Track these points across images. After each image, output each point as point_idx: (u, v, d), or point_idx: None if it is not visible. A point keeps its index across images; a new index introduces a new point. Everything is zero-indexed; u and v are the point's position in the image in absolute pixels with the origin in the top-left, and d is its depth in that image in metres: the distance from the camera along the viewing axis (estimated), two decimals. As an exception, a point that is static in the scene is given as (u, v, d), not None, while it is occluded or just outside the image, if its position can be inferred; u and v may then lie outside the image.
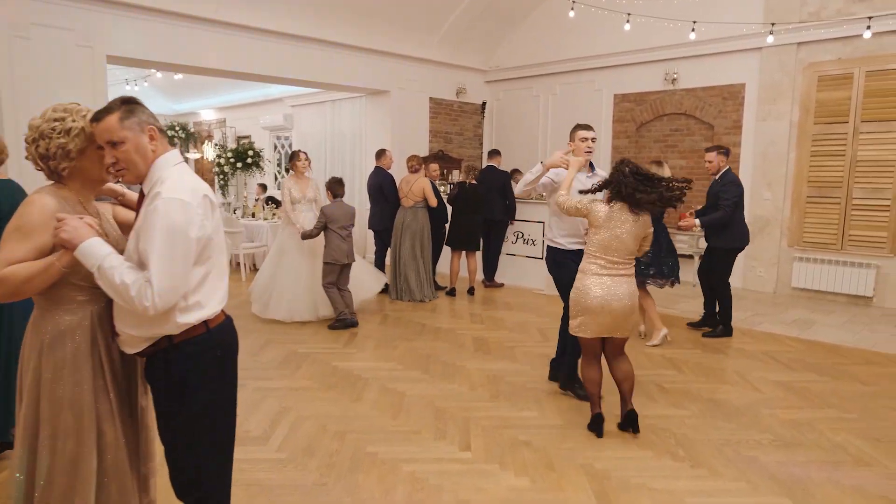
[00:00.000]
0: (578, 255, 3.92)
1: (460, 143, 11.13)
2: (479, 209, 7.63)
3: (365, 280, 6.72)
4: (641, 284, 5.75)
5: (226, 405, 2.12)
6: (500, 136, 11.19)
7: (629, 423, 3.67)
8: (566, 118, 10.01)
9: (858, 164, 7.14)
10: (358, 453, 3.42)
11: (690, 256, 8.49)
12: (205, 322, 1.98)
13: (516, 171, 9.10)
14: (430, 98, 10.43)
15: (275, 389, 4.38)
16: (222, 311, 2.09)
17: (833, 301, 7.33)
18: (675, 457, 3.40)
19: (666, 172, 6.19)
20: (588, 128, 4.18)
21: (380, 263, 7.86)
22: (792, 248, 7.70)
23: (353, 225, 6.08)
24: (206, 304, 1.97)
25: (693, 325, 6.16)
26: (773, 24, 7.08)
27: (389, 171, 7.78)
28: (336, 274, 6.03)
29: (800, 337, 5.81)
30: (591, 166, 4.26)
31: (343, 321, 6.01)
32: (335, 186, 6.07)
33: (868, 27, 6.46)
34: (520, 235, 8.33)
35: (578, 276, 3.61)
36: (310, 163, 6.59)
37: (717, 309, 5.93)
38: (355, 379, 4.62)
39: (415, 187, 7.18)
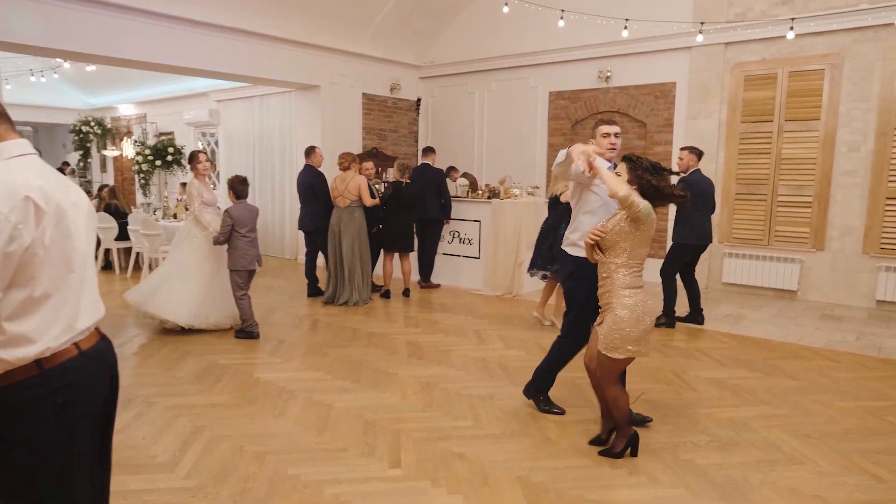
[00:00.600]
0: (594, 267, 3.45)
1: (395, 140, 10.87)
2: (412, 208, 7.40)
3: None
4: (544, 277, 6.07)
5: (70, 468, 1.65)
6: (435, 133, 10.99)
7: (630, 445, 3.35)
8: (502, 115, 9.95)
9: (783, 161, 7.32)
10: (277, 476, 3.12)
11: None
12: (37, 361, 1.56)
13: (452, 169, 8.94)
14: (363, 94, 10.13)
15: (189, 407, 4.02)
16: (76, 344, 1.66)
17: (761, 295, 7.50)
18: (613, 464, 3.28)
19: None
20: (612, 122, 3.72)
21: (311, 266, 7.52)
22: (722, 244, 7.84)
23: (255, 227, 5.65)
24: (38, 337, 1.56)
25: (680, 320, 6.19)
26: (702, 24, 7.16)
27: (320, 168, 7.45)
28: (246, 282, 5.63)
29: (731, 332, 5.88)
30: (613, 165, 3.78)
31: (249, 333, 5.60)
32: (238, 186, 5.56)
33: (791, 28, 6.61)
34: (456, 235, 8.15)
35: (631, 292, 3.15)
36: (212, 164, 6.18)
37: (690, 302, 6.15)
38: (279, 392, 4.31)
39: (350, 186, 6.87)
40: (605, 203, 3.55)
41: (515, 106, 9.79)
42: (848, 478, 3.15)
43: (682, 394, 4.28)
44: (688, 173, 5.85)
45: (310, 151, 7.45)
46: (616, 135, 3.67)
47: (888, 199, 6.68)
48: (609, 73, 8.64)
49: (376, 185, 7.98)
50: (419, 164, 8.04)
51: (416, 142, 11.10)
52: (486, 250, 7.75)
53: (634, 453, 3.33)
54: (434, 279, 8.15)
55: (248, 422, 3.80)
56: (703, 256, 7.94)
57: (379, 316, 6.58)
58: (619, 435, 3.34)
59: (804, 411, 3.96)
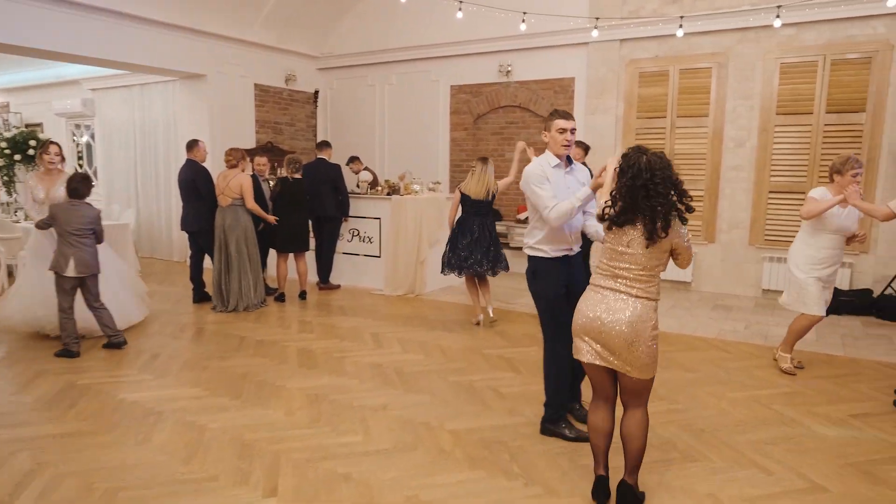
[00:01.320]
0: (563, 262, 3.45)
1: (292, 134, 10.34)
2: (305, 206, 6.98)
3: (125, 304, 5.63)
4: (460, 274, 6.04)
5: None
6: (335, 127, 10.55)
7: (619, 496, 2.78)
8: (403, 109, 9.67)
9: (676, 156, 7.48)
10: (127, 518, 2.70)
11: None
12: None
13: (355, 160, 8.57)
14: (256, 85, 9.54)
15: (32, 439, 3.46)
16: None
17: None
18: (508, 474, 3.09)
19: (490, 169, 6.02)
20: (567, 116, 3.38)
21: (196, 269, 6.92)
22: (620, 238, 7.94)
23: (93, 231, 4.91)
24: None
25: None
26: (597, 19, 7.19)
27: (204, 164, 6.86)
28: (66, 292, 4.84)
29: (629, 326, 5.90)
30: (569, 160, 3.51)
31: (69, 352, 4.89)
32: (74, 184, 4.87)
33: (680, 26, 6.74)
34: (355, 233, 7.80)
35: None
36: (62, 158, 5.51)
37: None
38: (145, 414, 3.82)
39: (232, 183, 6.36)
40: None
41: (417, 99, 9.53)
42: (739, 472, 3.12)
43: (584, 393, 4.17)
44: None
45: (192, 145, 6.85)
46: (573, 130, 3.38)
47: (770, 192, 6.99)
48: (510, 68, 8.56)
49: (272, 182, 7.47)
50: (314, 159, 7.62)
51: (315, 136, 10.60)
52: (387, 248, 7.45)
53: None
54: (333, 280, 7.77)
55: (103, 453, 3.31)
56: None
57: (271, 321, 6.13)
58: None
59: (699, 404, 3.95)
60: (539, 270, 3.50)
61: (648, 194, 2.55)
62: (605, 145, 7.92)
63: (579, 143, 5.86)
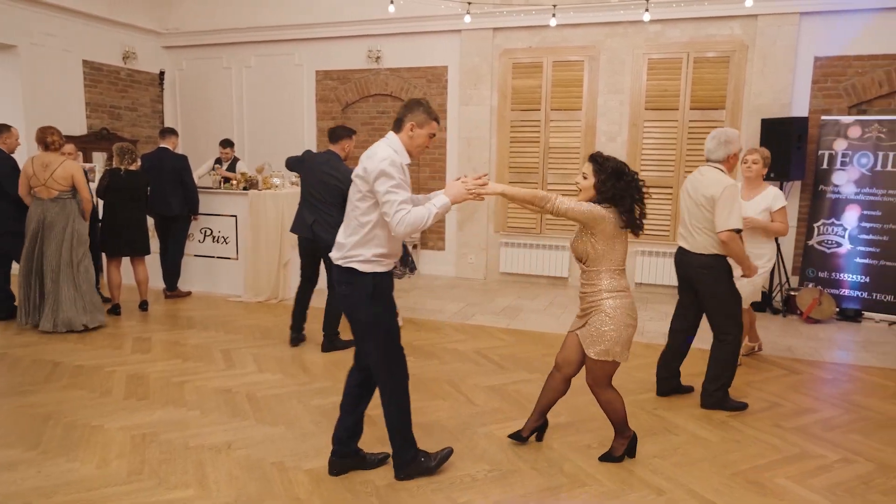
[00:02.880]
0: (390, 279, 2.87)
1: (133, 119, 9.09)
2: (142, 203, 6.01)
3: None
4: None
5: None
6: (186, 113, 9.43)
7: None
8: (264, 95, 8.83)
9: (550, 150, 7.36)
10: None
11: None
12: None
13: (227, 143, 7.65)
14: (85, 61, 8.22)
15: None
16: None
17: (536, 283, 7.51)
18: (377, 526, 2.58)
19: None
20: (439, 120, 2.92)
21: (2, 279, 5.72)
22: (498, 233, 7.72)
23: None
24: None
25: None
26: (469, 3, 6.83)
27: (12, 154, 5.67)
28: None
29: (509, 327, 5.62)
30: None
31: None
32: None
33: (553, 15, 6.56)
34: (208, 233, 6.90)
35: (617, 295, 2.99)
36: None
37: None
38: None
39: (59, 173, 5.25)
40: None
41: (279, 85, 8.71)
42: (630, 495, 2.84)
43: (460, 409, 3.76)
44: None
45: (1, 130, 5.63)
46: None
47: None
48: (379, 54, 8.01)
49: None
50: (156, 148, 6.62)
51: (163, 122, 9.41)
52: (246, 250, 6.65)
53: (632, 454, 3.18)
54: (183, 286, 6.82)
55: None
56: (481, 247, 7.79)
57: (98, 341, 5.15)
58: (617, 438, 3.16)
59: (583, 416, 3.67)
60: (378, 289, 2.77)
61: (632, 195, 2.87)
62: (480, 137, 7.63)
63: None
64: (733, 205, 3.49)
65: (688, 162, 6.77)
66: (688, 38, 6.71)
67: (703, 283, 3.70)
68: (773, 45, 6.30)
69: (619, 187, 2.83)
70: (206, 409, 3.76)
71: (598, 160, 2.89)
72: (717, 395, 3.75)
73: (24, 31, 7.36)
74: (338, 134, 4.96)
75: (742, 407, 3.76)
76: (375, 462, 3.04)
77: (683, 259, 3.80)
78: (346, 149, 4.95)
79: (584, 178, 2.92)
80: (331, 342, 4.95)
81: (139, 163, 6.13)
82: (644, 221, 2.95)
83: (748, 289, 4.18)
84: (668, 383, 4.00)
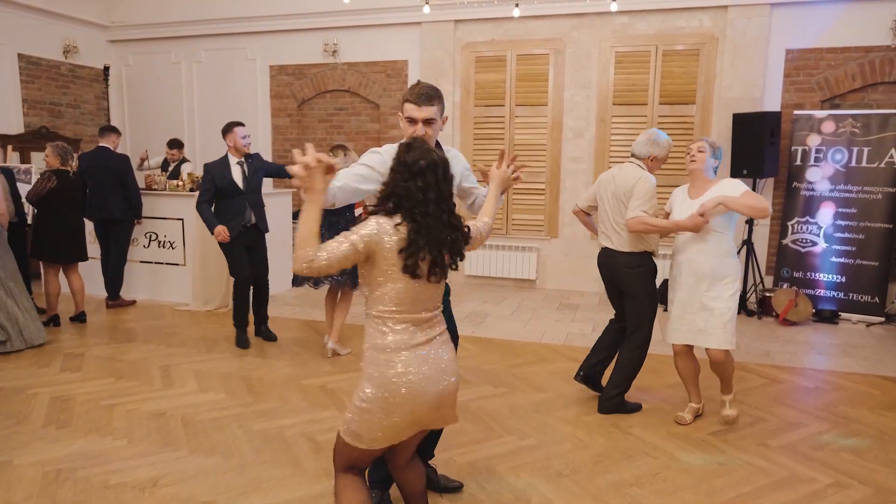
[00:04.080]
0: None
1: (76, 117, 8.52)
2: (79, 206, 5.54)
3: None
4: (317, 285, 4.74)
5: None
6: (133, 111, 8.91)
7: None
8: (216, 91, 8.37)
9: (516, 147, 7.07)
10: None
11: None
12: None
13: (174, 144, 7.20)
14: (21, 55, 7.65)
15: None
16: None
17: (502, 286, 7.22)
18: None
19: (354, 158, 5.01)
20: (422, 100, 2.34)
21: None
22: (462, 235, 7.39)
23: None
24: None
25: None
26: (429, -6, 6.49)
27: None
28: None
29: (475, 335, 5.30)
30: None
31: None
32: None
33: (516, 5, 6.26)
34: (153, 237, 6.43)
35: (390, 356, 1.90)
36: None
37: None
38: None
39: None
40: None
41: (231, 80, 8.26)
42: (606, 528, 2.55)
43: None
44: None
45: None
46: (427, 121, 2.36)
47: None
48: (336, 47, 7.62)
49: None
50: (94, 147, 6.14)
51: (108, 120, 8.86)
52: (193, 255, 6.21)
53: None
54: (127, 294, 6.36)
55: None
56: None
57: (24, 359, 4.68)
58: None
59: (553, 436, 3.36)
60: None
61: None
62: (443, 134, 7.26)
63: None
64: (647, 195, 3.37)
65: (657, 159, 6.54)
66: (655, 31, 6.49)
67: (627, 283, 3.55)
68: (744, 37, 6.11)
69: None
70: (134, 438, 3.35)
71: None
72: (615, 401, 3.61)
73: (-53, 21, 6.79)
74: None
75: (637, 408, 3.67)
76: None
77: (607, 260, 3.65)
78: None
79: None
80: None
81: (77, 163, 5.68)
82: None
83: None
84: (591, 369, 3.83)
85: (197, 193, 5.05)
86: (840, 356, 4.84)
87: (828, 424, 3.54)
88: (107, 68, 8.79)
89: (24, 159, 7.46)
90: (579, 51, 6.77)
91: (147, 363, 4.59)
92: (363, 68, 7.62)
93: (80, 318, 5.67)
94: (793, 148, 5.92)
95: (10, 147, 7.35)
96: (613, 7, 5.94)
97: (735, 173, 5.88)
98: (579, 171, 6.91)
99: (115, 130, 6.23)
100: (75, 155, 5.67)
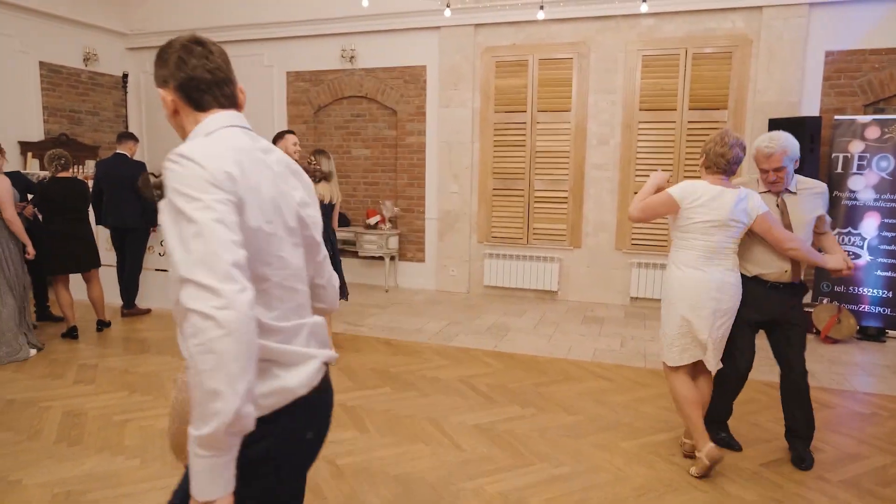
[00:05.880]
0: None
1: (95, 124, 8.48)
2: (83, 213, 5.41)
3: None
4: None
5: None
6: (152, 118, 8.86)
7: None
8: (231, 97, 8.24)
9: (537, 154, 6.88)
10: None
11: (381, 258, 7.53)
12: None
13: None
14: (43, 63, 7.63)
15: None
16: None
17: (523, 297, 7.01)
18: None
19: (330, 164, 4.94)
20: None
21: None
22: (482, 243, 7.22)
23: None
24: None
25: None
26: (450, -2, 6.34)
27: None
28: None
29: (497, 350, 5.09)
30: None
31: None
32: None
33: (541, 7, 6.08)
34: (168, 246, 6.32)
35: None
36: None
37: None
38: None
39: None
40: None
41: (249, 87, 8.00)
42: (649, 568, 2.33)
43: (443, 456, 3.22)
44: None
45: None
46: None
47: (636, 193, 6.55)
48: (354, 53, 7.49)
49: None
50: (111, 154, 6.06)
51: (126, 127, 8.81)
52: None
53: None
54: (142, 303, 6.26)
55: None
56: (463, 258, 7.28)
57: (38, 370, 4.56)
58: None
59: (588, 464, 3.14)
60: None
61: None
62: (461, 141, 7.13)
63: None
64: None
65: (687, 166, 6.32)
66: (684, 33, 6.27)
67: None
68: (780, 39, 5.86)
69: None
70: (146, 458, 3.20)
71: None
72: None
73: (-31, 29, 6.76)
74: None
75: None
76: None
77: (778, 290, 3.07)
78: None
79: None
80: None
81: (73, 169, 5.58)
82: None
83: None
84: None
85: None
86: (892, 378, 4.52)
87: (891, 457, 3.24)
88: (125, 75, 8.75)
89: (44, 167, 7.42)
90: (604, 54, 6.57)
91: (160, 376, 4.45)
92: (381, 74, 7.48)
93: (101, 326, 5.60)
94: (833, 155, 5.63)
95: (30, 154, 7.32)
96: (643, 8, 5.73)
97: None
98: (604, 179, 6.69)
99: (132, 137, 6.15)
100: (70, 161, 5.51)
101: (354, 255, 7.62)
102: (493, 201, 7.11)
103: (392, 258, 7.47)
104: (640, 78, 6.44)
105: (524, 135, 6.91)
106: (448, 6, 6.24)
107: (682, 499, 2.80)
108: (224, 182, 1.20)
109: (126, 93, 8.85)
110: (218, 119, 1.36)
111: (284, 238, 1.34)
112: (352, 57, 7.50)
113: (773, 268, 3.00)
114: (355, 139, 7.72)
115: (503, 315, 6.26)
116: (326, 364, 1.42)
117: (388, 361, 4.76)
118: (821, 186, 3.08)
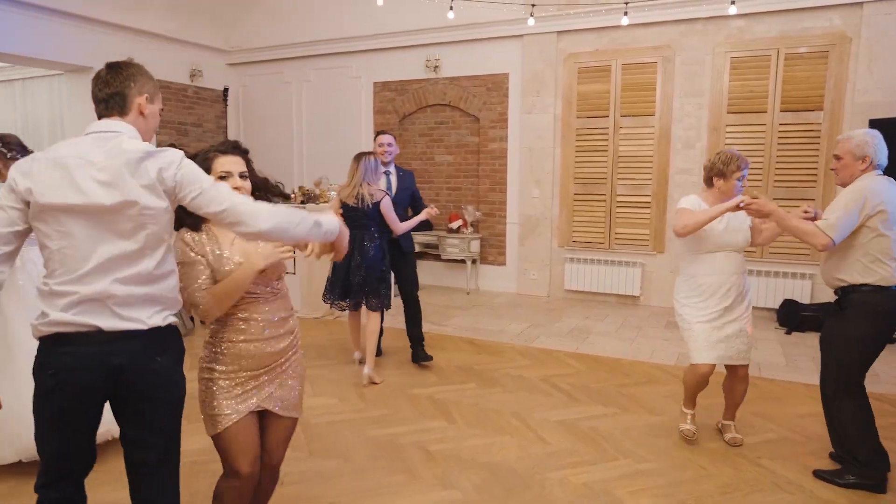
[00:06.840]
0: None
1: (199, 135, 9.17)
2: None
3: None
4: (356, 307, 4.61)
5: None
6: (248, 129, 9.47)
7: None
8: (323, 108, 8.74)
9: (620, 159, 6.88)
10: None
11: (463, 262, 7.73)
12: None
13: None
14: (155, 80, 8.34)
15: None
16: None
17: (604, 302, 7.01)
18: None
19: (365, 167, 4.56)
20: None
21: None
22: (563, 248, 7.28)
23: None
24: None
25: None
26: (533, 6, 6.47)
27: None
28: None
29: (578, 352, 5.16)
30: None
31: None
32: None
33: (625, 13, 6.11)
34: (266, 248, 6.77)
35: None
36: None
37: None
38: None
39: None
40: None
41: (337, 98, 8.60)
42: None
43: (529, 448, 3.36)
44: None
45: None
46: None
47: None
48: (438, 62, 7.75)
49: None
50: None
51: (226, 138, 9.48)
52: (302, 263, 6.48)
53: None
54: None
55: None
56: (544, 262, 7.35)
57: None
58: None
59: (673, 462, 3.19)
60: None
61: None
62: (543, 147, 7.23)
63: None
64: None
65: (778, 169, 6.15)
66: (777, 33, 6.11)
67: None
68: (884, 36, 5.59)
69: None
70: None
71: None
72: None
73: (102, 54, 7.34)
74: None
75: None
76: None
77: None
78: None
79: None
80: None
81: None
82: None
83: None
84: None
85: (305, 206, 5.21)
86: None
87: None
88: (226, 90, 9.42)
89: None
90: (690, 58, 6.50)
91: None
92: (464, 82, 7.70)
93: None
94: (938, 156, 5.33)
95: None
96: (732, 10, 5.65)
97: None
98: (689, 184, 6.60)
99: (234, 147, 6.64)
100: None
101: (437, 258, 7.86)
102: (575, 206, 7.16)
103: (473, 261, 7.66)
104: (728, 80, 6.33)
105: (606, 139, 6.93)
106: (532, 15, 6.38)
107: (769, 499, 2.80)
108: None
109: (226, 105, 9.52)
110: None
111: None
112: (436, 66, 7.76)
113: None
114: (438, 146, 7.97)
115: (584, 318, 6.30)
116: None
117: (472, 360, 4.94)
118: None
